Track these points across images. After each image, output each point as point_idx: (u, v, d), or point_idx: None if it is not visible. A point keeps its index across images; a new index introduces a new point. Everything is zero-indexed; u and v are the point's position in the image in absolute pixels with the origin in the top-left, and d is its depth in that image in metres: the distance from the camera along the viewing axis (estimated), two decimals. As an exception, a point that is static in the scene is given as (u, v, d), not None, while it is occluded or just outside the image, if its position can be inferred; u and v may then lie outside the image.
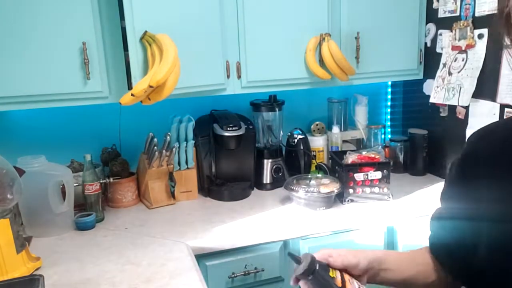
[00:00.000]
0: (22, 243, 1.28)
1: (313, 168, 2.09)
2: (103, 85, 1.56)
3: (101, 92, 1.57)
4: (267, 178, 2.00)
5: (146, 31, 1.48)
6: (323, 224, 1.61)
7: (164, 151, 1.76)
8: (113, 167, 1.82)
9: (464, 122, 1.81)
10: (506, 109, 1.60)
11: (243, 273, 1.52)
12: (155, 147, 1.72)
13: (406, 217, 1.70)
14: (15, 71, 1.46)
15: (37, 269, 1.30)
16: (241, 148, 1.92)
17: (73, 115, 1.89)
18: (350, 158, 1.80)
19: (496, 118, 1.64)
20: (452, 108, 1.88)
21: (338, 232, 1.62)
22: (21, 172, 1.36)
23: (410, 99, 2.16)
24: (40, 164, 1.52)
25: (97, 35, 1.53)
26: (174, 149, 1.78)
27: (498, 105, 1.63)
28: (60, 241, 1.52)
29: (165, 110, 1.93)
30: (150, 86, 1.39)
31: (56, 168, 1.57)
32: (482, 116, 1.71)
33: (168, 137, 1.74)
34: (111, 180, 1.78)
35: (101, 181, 1.71)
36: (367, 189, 1.76)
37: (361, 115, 2.19)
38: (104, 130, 1.94)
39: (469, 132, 1.79)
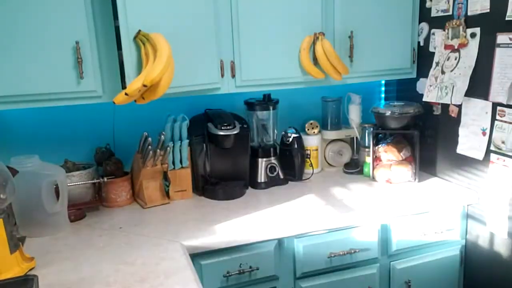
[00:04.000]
0: (15, 243, 1.28)
1: (307, 166, 2.10)
2: (97, 84, 1.56)
3: (94, 92, 1.56)
4: (261, 177, 2.00)
5: (139, 30, 1.48)
6: (318, 222, 1.61)
7: (158, 150, 1.75)
8: (107, 166, 1.81)
9: (457, 120, 1.82)
10: (498, 108, 1.62)
11: (237, 272, 1.52)
12: (149, 147, 1.71)
13: (399, 214, 1.71)
14: (7, 71, 1.45)
15: (31, 269, 1.30)
16: (235, 147, 1.92)
17: (67, 115, 1.88)
18: None
19: (488, 117, 1.66)
20: (445, 107, 1.89)
21: (333, 230, 1.63)
22: (14, 172, 1.36)
23: (403, 98, 2.17)
24: (33, 164, 1.51)
25: (91, 34, 1.52)
26: (168, 148, 1.77)
27: (491, 103, 1.64)
28: (54, 241, 1.52)
29: (159, 109, 1.92)
30: (144, 85, 1.39)
31: (50, 168, 1.57)
32: (474, 114, 1.73)
33: (163, 136, 1.74)
34: (105, 179, 1.77)
35: (95, 181, 1.70)
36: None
37: (354, 113, 2.20)
38: (98, 130, 1.94)
39: (461, 130, 1.80)
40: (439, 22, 1.87)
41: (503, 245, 1.68)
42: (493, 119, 1.64)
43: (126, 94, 1.41)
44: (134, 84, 1.41)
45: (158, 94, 1.47)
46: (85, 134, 1.92)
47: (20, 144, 1.80)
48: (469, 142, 1.77)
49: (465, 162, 1.82)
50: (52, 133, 1.88)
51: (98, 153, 1.86)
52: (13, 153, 1.55)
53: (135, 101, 1.49)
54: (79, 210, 1.70)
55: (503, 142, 1.61)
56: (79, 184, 1.73)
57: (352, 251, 1.66)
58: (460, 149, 1.82)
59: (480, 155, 1.72)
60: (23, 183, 1.41)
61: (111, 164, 1.81)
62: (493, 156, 1.66)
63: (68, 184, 1.63)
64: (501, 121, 1.61)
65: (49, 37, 1.47)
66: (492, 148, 1.66)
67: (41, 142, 1.85)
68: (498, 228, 1.67)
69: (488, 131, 1.67)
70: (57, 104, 1.55)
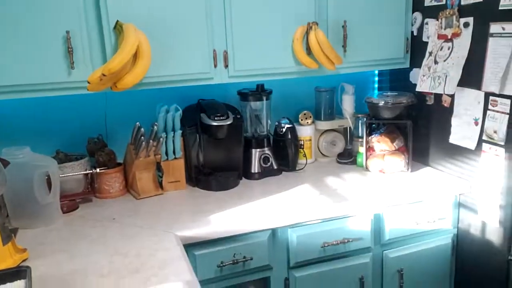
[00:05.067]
0: (8, 234, 1.27)
1: (301, 157, 2.10)
2: (88, 74, 1.53)
3: (85, 82, 1.54)
4: (255, 167, 2.00)
5: (117, 21, 1.51)
6: (312, 212, 1.62)
7: (151, 141, 1.74)
8: (99, 157, 1.80)
9: (450, 110, 1.83)
10: (491, 97, 1.62)
11: (231, 262, 1.53)
12: (142, 137, 1.70)
13: (392, 204, 1.72)
14: (-3, 61, 1.43)
15: (23, 261, 1.29)
16: (229, 137, 1.91)
17: (58, 105, 1.86)
18: None
19: (481, 107, 1.66)
20: (438, 97, 1.90)
21: (326, 220, 1.64)
22: (5, 163, 1.34)
23: (396, 88, 2.18)
24: (24, 155, 1.50)
25: (81, 24, 1.51)
26: (161, 139, 1.77)
27: (483, 93, 1.65)
28: (47, 232, 1.51)
29: (152, 99, 1.91)
30: (103, 75, 1.42)
31: (41, 159, 1.56)
32: (467, 104, 1.73)
33: (155, 127, 1.73)
34: (98, 170, 1.76)
35: (87, 172, 1.70)
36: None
37: (348, 104, 2.20)
38: (90, 120, 1.92)
39: (454, 120, 1.81)
40: (433, 12, 1.86)
41: (494, 234, 1.70)
42: (486, 109, 1.65)
43: (88, 82, 1.46)
44: (95, 73, 1.45)
45: (130, 83, 1.51)
46: (77, 125, 1.91)
47: (11, 135, 1.78)
48: (462, 132, 1.78)
49: (457, 152, 1.83)
50: (44, 124, 1.86)
51: (90, 144, 1.85)
52: (4, 144, 1.53)
53: (111, 88, 1.53)
54: (72, 201, 1.70)
55: (495, 132, 1.62)
56: (72, 175, 1.72)
57: (345, 241, 1.67)
58: (453, 139, 1.83)
59: (472, 145, 1.73)
60: (15, 174, 1.40)
61: (103, 155, 1.80)
62: (485, 146, 1.67)
63: (60, 175, 1.62)
64: (493, 110, 1.62)
65: (39, 26, 1.45)
66: (484, 137, 1.67)
67: (33, 133, 1.83)
68: (490, 216, 1.69)
69: (480, 121, 1.68)
70: (48, 95, 1.54)
